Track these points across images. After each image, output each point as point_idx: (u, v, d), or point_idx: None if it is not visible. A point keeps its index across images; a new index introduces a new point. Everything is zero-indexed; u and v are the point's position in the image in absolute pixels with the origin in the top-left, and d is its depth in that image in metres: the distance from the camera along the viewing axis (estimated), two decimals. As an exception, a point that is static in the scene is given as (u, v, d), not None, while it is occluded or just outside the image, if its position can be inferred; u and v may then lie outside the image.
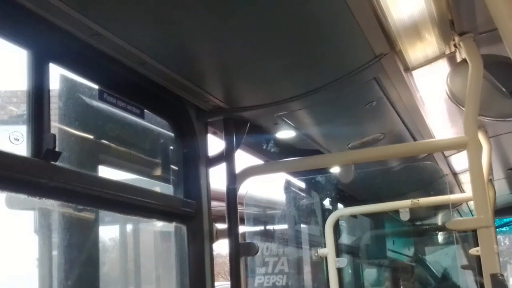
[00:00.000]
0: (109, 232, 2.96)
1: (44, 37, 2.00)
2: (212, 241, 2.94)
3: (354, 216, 6.13)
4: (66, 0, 1.84)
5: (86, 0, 1.87)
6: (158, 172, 2.94)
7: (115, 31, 2.08)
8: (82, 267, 2.38)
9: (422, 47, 2.74)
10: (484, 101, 2.67)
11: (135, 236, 3.21)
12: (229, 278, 2.99)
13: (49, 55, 2.06)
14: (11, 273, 2.41)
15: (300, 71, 2.69)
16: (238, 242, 3.01)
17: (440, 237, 8.77)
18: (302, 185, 5.21)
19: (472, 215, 3.67)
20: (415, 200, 4.27)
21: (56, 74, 2.25)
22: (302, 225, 5.38)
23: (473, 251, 5.17)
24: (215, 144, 3.16)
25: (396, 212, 4.67)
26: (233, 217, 3.03)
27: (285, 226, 5.34)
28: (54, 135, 1.98)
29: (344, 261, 4.73)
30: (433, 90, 3.24)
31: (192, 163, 2.96)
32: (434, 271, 8.51)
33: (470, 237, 6.66)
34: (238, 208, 3.10)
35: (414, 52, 2.76)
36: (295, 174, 4.80)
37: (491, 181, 4.32)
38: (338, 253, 4.90)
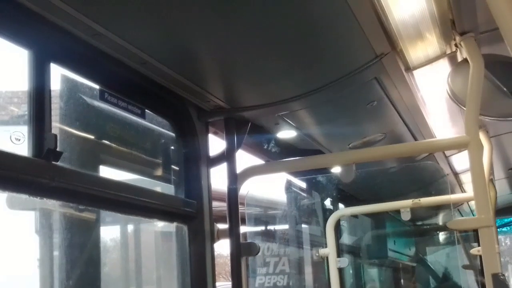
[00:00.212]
0: (110, 232, 2.95)
1: (45, 37, 2.00)
2: (213, 241, 2.94)
3: (355, 216, 6.12)
4: (67, 0, 1.84)
5: (87, 0, 1.87)
6: (159, 172, 2.94)
7: (116, 31, 2.08)
8: (83, 267, 2.38)
9: (423, 47, 2.74)
10: (485, 100, 2.67)
11: (136, 236, 3.21)
12: (230, 278, 3.00)
13: (50, 55, 2.05)
14: (12, 273, 2.41)
15: (301, 71, 2.69)
16: (239, 242, 3.01)
17: (441, 237, 8.76)
18: (303, 185, 5.21)
19: (473, 215, 3.67)
20: (416, 200, 4.27)
21: (57, 74, 2.25)
22: (303, 225, 5.37)
23: (474, 251, 5.18)
24: (216, 144, 3.17)
25: (397, 212, 4.66)
26: (234, 217, 3.03)
27: (286, 226, 5.33)
28: (55, 135, 1.98)
29: (345, 261, 4.72)
30: (434, 90, 3.24)
31: (193, 163, 2.96)
32: (435, 271, 8.51)
33: (471, 237, 6.67)
34: (239, 208, 3.10)
35: (415, 51, 2.75)
36: (296, 174, 4.80)
37: (492, 181, 4.33)
38: (339, 253, 4.90)
